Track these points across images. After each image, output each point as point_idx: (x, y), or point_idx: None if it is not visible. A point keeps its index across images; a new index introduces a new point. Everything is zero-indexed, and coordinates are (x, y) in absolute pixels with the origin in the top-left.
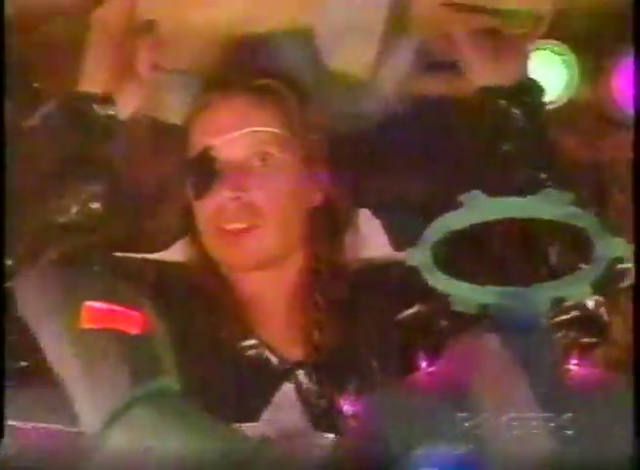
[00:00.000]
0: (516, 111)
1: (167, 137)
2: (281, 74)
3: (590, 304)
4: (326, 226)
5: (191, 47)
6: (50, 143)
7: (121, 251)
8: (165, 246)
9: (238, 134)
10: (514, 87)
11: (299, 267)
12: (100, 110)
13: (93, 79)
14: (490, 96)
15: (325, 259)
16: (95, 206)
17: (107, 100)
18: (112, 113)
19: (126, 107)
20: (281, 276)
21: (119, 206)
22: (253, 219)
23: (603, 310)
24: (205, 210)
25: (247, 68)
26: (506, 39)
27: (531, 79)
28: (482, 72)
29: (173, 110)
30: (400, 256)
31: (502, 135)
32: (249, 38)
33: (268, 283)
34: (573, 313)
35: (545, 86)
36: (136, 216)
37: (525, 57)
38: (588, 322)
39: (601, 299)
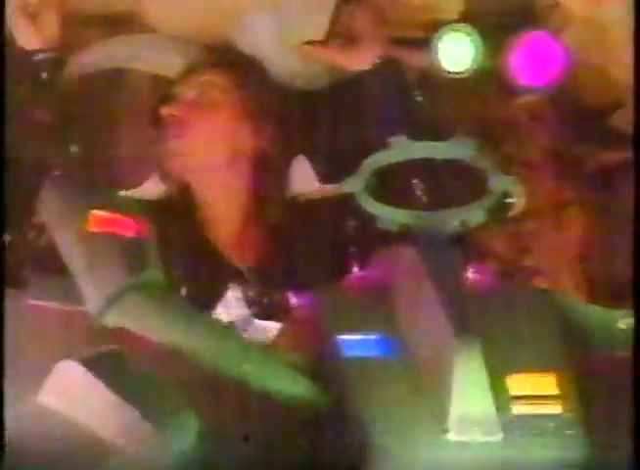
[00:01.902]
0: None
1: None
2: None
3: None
4: (264, 167)
5: (186, 17)
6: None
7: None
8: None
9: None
10: None
11: (246, 196)
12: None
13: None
14: None
15: (265, 196)
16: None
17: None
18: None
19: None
20: (229, 189)
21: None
22: (192, 138)
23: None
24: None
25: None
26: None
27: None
28: None
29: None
30: (327, 187)
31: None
32: (224, 13)
33: (220, 190)
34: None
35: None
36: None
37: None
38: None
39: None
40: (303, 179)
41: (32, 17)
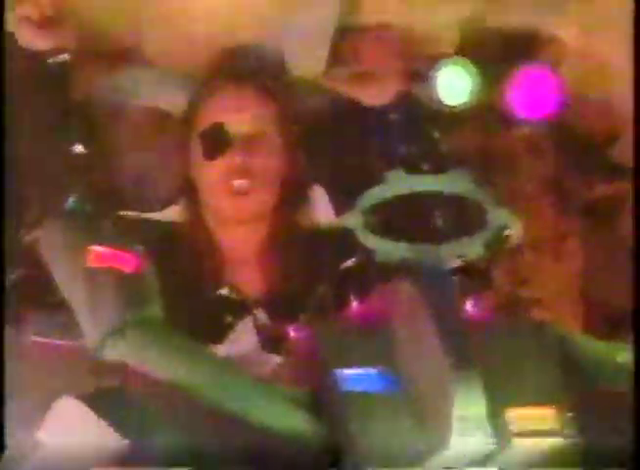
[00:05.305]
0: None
1: (167, 122)
2: (272, 76)
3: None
4: (292, 197)
5: (187, 52)
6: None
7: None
8: (162, 207)
9: (246, 114)
10: None
11: (267, 228)
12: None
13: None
14: None
15: (287, 224)
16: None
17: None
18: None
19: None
20: (253, 233)
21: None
22: (253, 180)
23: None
24: (215, 170)
25: (243, 67)
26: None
27: None
28: None
29: (172, 102)
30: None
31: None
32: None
33: (244, 238)
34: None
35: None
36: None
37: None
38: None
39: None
40: (320, 210)
41: (43, 21)
